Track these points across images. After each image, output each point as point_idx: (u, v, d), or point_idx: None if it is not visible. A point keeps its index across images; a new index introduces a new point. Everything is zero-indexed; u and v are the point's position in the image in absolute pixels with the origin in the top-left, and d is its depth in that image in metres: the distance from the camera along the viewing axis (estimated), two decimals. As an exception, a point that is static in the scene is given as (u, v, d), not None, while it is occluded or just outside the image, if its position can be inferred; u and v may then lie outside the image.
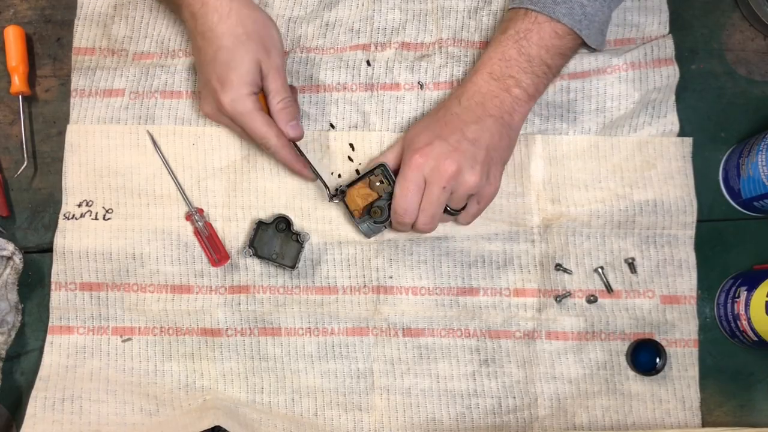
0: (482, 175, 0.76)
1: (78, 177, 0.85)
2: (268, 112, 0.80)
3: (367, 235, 0.83)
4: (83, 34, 0.88)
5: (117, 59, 0.87)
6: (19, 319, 0.83)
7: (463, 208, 0.80)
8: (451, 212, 0.79)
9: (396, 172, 0.80)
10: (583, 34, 0.78)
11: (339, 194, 0.81)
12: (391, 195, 0.79)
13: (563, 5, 0.77)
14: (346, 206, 0.81)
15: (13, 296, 0.82)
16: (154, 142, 0.85)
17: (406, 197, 0.77)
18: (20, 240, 0.84)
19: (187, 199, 0.84)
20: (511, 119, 0.79)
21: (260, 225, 0.83)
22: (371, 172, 0.80)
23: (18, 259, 0.82)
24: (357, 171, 0.85)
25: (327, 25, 0.88)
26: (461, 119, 0.77)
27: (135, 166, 0.85)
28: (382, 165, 0.80)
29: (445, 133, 0.76)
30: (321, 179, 0.83)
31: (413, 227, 0.79)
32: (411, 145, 0.78)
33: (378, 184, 0.80)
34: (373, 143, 0.86)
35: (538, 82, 0.79)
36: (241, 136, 0.83)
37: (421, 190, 0.77)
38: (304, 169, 0.82)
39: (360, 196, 0.81)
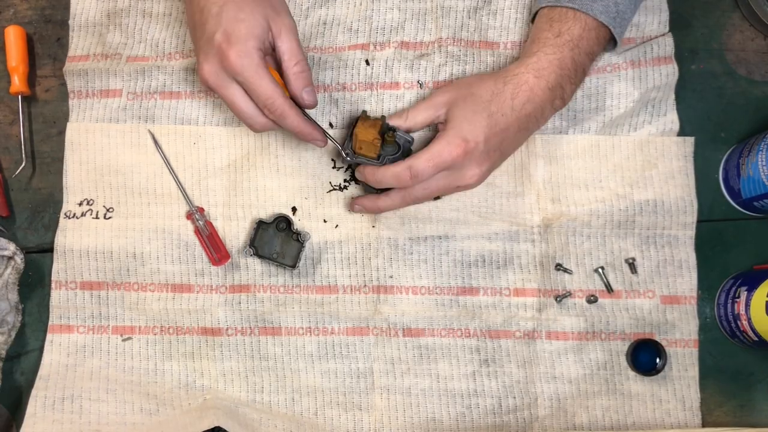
0: (482, 182, 0.79)
1: (79, 176, 0.85)
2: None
3: (350, 161, 0.80)
4: (79, 44, 0.88)
5: (110, 62, 0.87)
6: (19, 319, 0.83)
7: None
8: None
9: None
10: (616, 32, 0.79)
11: (350, 152, 0.79)
12: (397, 149, 0.79)
13: (599, 3, 0.77)
14: (352, 141, 0.79)
15: (14, 296, 0.82)
16: (155, 141, 0.85)
17: (427, 169, 0.75)
18: (20, 240, 0.84)
19: (188, 198, 0.84)
20: (536, 129, 0.81)
21: (261, 225, 0.83)
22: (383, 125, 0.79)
23: (19, 259, 0.82)
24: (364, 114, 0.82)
25: (325, 24, 0.88)
26: (509, 124, 0.77)
27: (135, 165, 0.85)
28: (392, 129, 0.79)
29: (491, 135, 0.76)
30: (332, 139, 0.80)
31: (401, 189, 0.78)
32: (459, 127, 0.76)
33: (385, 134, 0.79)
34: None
35: (574, 91, 0.80)
36: (237, 104, 0.75)
37: (441, 171, 0.76)
38: (315, 131, 0.77)
39: (369, 130, 0.78)
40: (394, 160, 0.78)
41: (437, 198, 0.80)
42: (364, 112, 0.81)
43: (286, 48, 0.74)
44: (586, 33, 0.77)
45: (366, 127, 0.78)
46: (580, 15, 0.77)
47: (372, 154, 0.78)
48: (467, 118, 0.76)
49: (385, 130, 0.79)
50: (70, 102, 0.86)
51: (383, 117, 0.80)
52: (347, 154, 0.79)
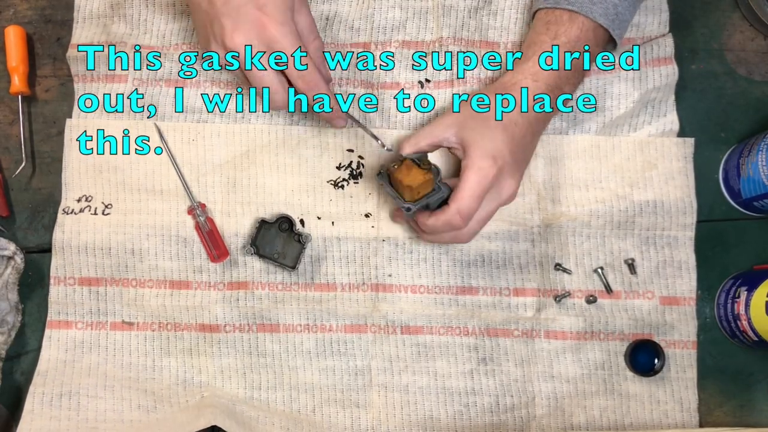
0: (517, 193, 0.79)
1: (78, 172, 0.85)
2: None
3: (413, 213, 0.77)
4: (82, 34, 0.87)
5: (115, 48, 0.87)
6: (19, 319, 0.83)
7: None
8: None
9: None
10: (615, 34, 0.79)
11: (411, 205, 0.77)
12: (437, 172, 0.77)
13: (599, 5, 0.77)
14: (390, 182, 0.78)
15: (14, 296, 0.82)
16: (161, 135, 0.85)
17: (474, 204, 0.74)
18: (20, 240, 0.85)
19: (190, 193, 0.84)
20: (543, 131, 0.81)
21: (263, 224, 0.83)
22: (420, 162, 0.78)
23: (19, 259, 0.82)
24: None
25: (327, 19, 0.88)
26: (524, 132, 0.76)
27: (134, 162, 0.85)
28: (435, 167, 0.77)
29: (513, 146, 0.75)
30: (366, 129, 0.81)
31: (455, 232, 0.77)
32: (482, 148, 0.74)
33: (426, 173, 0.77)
34: (374, 140, 0.85)
35: (573, 92, 0.80)
36: (267, 77, 0.73)
37: (484, 197, 0.75)
38: (339, 108, 0.78)
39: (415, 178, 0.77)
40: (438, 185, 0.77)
41: None
42: (383, 166, 0.80)
43: (305, 22, 0.76)
44: (584, 35, 0.77)
45: (406, 173, 0.77)
46: (577, 17, 0.77)
47: (429, 189, 0.77)
48: (486, 136, 0.75)
49: (418, 163, 0.77)
50: (75, 86, 0.86)
51: (400, 155, 0.78)
52: (408, 209, 0.76)
